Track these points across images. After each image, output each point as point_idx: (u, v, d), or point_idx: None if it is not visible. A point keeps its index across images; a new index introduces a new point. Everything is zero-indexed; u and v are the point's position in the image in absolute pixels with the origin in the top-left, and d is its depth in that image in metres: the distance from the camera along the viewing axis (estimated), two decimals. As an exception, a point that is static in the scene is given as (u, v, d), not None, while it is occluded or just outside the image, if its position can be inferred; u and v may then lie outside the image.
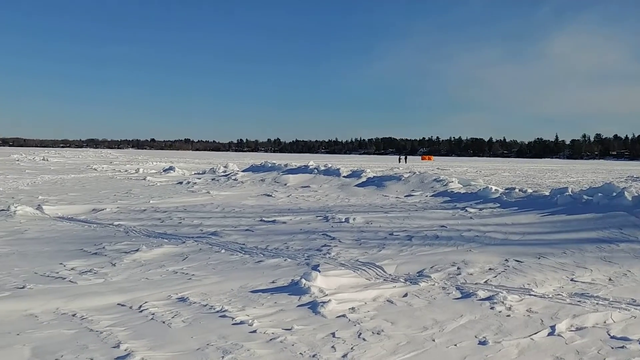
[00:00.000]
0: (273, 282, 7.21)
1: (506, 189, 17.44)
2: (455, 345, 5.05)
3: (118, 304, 6.21)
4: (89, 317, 5.69)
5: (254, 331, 5.30)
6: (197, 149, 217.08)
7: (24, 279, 7.26)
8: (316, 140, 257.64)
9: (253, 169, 32.42)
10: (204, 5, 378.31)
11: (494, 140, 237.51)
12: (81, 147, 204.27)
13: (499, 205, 15.03)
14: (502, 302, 6.26)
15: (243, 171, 31.44)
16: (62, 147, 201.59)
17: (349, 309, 6.03)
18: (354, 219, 13.15)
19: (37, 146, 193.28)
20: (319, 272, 7.18)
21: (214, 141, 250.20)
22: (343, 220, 13.06)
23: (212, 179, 27.81)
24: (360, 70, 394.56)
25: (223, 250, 9.46)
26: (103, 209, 15.19)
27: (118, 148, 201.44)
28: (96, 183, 26.79)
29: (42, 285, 6.91)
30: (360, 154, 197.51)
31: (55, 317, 5.72)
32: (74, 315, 5.77)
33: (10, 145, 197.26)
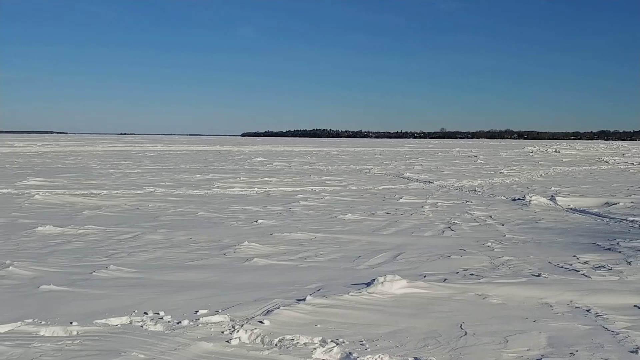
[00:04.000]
0: None
1: None
2: None
3: (634, 306, 5.82)
4: (603, 315, 5.50)
5: None
6: None
7: (538, 267, 7.53)
8: None
9: None
10: None
11: None
12: (592, 139, 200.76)
13: None
14: None
15: None
16: (573, 139, 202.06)
17: None
18: None
19: (549, 138, 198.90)
20: None
21: None
22: None
23: None
24: None
25: None
26: (616, 203, 14.52)
27: (630, 140, 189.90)
28: (608, 176, 25.88)
29: (556, 276, 7.02)
30: None
31: (570, 309, 5.73)
32: (588, 310, 5.68)
33: (524, 138, 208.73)
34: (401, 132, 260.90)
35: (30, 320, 5.17)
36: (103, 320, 5.21)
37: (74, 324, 5.09)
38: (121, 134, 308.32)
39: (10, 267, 7.14)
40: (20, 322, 5.11)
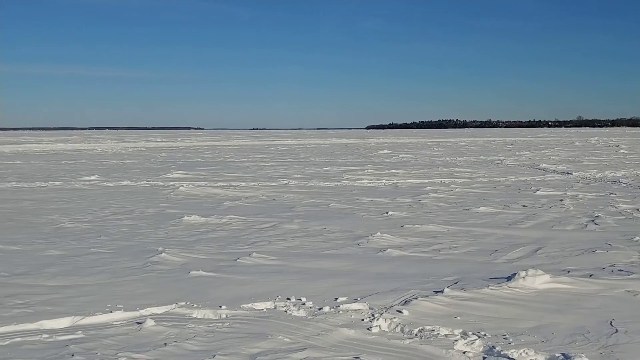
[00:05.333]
0: None
1: None
2: None
3: None
4: None
5: None
6: None
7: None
8: None
9: None
10: None
11: None
12: None
13: None
14: None
15: None
16: None
17: None
18: None
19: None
20: None
21: None
22: None
23: None
24: None
25: None
26: None
27: None
28: None
29: None
30: None
31: None
32: None
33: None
34: (534, 121, 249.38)
35: (184, 303, 5.56)
36: (249, 305, 5.50)
37: (223, 307, 5.41)
38: (253, 129, 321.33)
39: (163, 254, 7.71)
40: (174, 305, 5.52)
